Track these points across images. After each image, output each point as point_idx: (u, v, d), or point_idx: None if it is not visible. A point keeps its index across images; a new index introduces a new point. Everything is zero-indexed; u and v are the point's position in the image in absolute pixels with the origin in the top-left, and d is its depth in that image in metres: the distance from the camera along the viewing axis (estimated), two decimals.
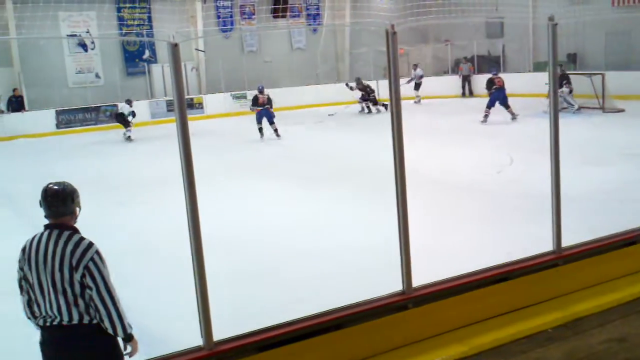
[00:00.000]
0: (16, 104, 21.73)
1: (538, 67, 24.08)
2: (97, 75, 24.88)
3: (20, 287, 3.44)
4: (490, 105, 17.37)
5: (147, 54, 25.36)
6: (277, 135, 16.57)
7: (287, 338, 4.06)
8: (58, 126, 21.97)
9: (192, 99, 23.85)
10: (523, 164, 11.08)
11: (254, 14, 27.68)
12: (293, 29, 28.99)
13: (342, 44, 29.60)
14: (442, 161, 12.12)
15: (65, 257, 3.27)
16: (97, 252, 3.31)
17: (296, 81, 25.93)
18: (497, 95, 17.42)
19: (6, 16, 21.63)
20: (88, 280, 3.26)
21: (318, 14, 29.26)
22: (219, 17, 26.88)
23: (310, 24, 29.26)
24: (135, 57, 25.45)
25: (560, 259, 5.19)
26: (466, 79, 25.35)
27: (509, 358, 4.36)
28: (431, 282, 4.64)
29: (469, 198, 9.21)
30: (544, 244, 5.30)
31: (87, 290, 3.28)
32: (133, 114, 19.17)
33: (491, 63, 25.87)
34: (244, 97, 25.09)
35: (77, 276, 3.26)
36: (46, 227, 3.40)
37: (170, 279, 6.20)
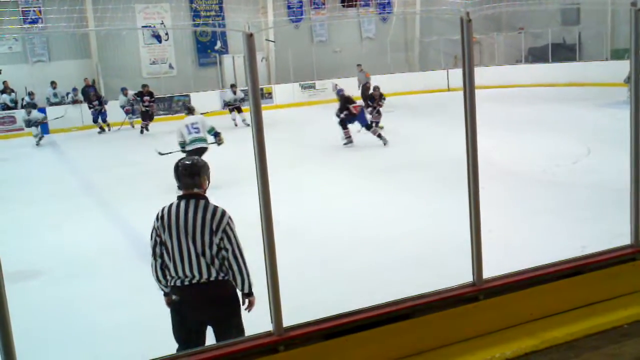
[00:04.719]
0: (88, 94, 22.41)
1: (616, 54, 23.21)
2: (170, 66, 25.51)
3: (154, 252, 3.79)
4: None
5: (218, 44, 25.78)
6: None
7: (354, 326, 4.07)
8: (132, 116, 22.58)
9: (261, 89, 24.09)
10: (600, 155, 10.72)
11: (324, 4, 27.75)
12: (363, 18, 28.87)
13: (412, 32, 29.31)
14: (515, 151, 11.88)
15: (206, 222, 3.70)
16: (230, 218, 3.76)
17: (366, 71, 25.81)
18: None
19: (86, 9, 22.41)
20: (225, 243, 3.72)
21: (388, 3, 29.06)
22: (289, 7, 27.08)
23: (380, 13, 29.08)
24: (207, 48, 25.92)
25: (638, 252, 5.01)
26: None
27: (582, 353, 4.24)
28: (503, 274, 4.56)
29: (543, 189, 9.00)
30: (622, 240, 5.12)
31: (223, 252, 3.73)
32: (36, 124, 18.90)
33: (566, 51, 25.09)
34: (313, 87, 25.24)
35: (216, 239, 3.71)
36: (181, 197, 3.80)
37: None
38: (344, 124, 14.04)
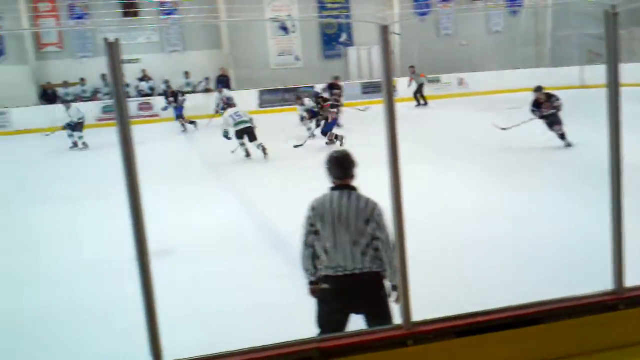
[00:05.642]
0: (222, 82, 23.42)
1: None
2: (296, 58, 26.00)
3: (306, 241, 3.93)
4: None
5: (343, 37, 25.99)
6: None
7: (483, 327, 3.99)
8: (260, 105, 23.28)
9: None
10: None
11: None
12: (491, 11, 28.09)
13: (543, 26, 28.16)
14: None
15: (360, 211, 3.82)
16: (381, 209, 3.84)
17: (493, 65, 25.14)
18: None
19: (217, 1, 23.33)
20: (378, 232, 3.81)
21: None
22: (415, 0, 26.83)
23: (509, 6, 28.17)
24: (332, 40, 26.21)
25: None
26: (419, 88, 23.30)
27: None
28: None
29: None
30: None
31: (374, 241, 3.83)
32: (71, 126, 16.81)
33: None
34: (438, 80, 24.90)
35: (369, 228, 3.82)
36: (334, 188, 3.92)
37: None
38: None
